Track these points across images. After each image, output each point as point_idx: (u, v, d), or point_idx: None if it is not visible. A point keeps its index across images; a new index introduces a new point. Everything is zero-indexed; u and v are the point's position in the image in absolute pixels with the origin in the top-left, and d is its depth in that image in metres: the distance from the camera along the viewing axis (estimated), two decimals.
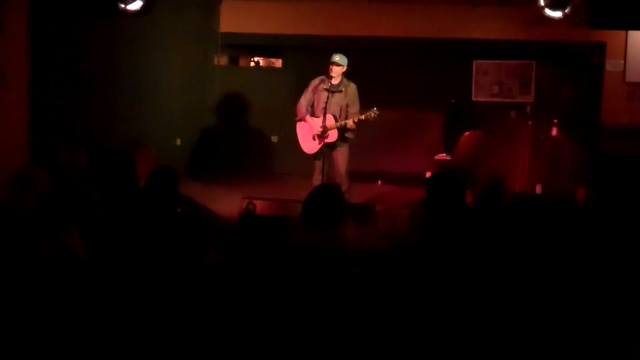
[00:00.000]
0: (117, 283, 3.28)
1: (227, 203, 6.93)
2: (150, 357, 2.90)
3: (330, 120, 6.60)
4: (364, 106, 6.75)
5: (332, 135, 6.65)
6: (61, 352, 2.89)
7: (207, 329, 2.97)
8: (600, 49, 8.72)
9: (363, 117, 6.56)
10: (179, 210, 4.34)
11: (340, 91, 6.65)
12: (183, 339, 2.93)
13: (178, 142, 9.25)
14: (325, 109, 6.55)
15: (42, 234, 3.57)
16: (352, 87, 6.72)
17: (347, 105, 6.66)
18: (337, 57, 6.59)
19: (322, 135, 6.62)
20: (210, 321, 3.01)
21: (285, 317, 3.01)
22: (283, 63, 10.57)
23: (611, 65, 8.73)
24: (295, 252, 3.66)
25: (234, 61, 11.22)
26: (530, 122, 8.67)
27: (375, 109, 6.54)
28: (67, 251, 3.56)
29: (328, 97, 6.58)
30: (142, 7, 6.69)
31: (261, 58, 11.35)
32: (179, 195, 4.41)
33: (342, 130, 6.64)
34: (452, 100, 9.44)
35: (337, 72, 6.59)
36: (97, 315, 3.02)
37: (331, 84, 6.60)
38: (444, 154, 8.95)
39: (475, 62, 9.34)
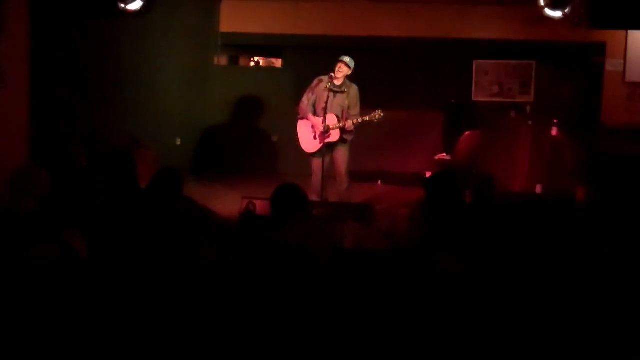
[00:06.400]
0: (117, 281, 3.29)
1: (227, 203, 6.93)
2: (149, 353, 2.91)
3: (332, 120, 6.60)
4: (365, 106, 6.75)
5: (334, 135, 6.65)
6: (61, 351, 2.89)
7: (202, 326, 2.98)
8: (600, 49, 8.72)
9: (367, 118, 6.56)
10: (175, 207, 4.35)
11: (343, 92, 6.64)
12: (180, 335, 2.94)
13: (178, 142, 9.25)
14: (325, 108, 6.54)
15: (41, 235, 3.58)
16: (354, 89, 6.71)
17: (348, 107, 6.65)
18: (347, 59, 6.56)
19: (324, 135, 6.61)
20: (207, 319, 3.01)
21: (264, 313, 3.04)
22: (283, 63, 10.57)
23: (611, 65, 8.73)
24: (266, 246, 3.70)
25: (234, 61, 11.22)
26: (530, 122, 8.66)
27: (380, 110, 6.54)
28: (67, 250, 3.57)
29: (330, 97, 6.57)
30: (142, 7, 6.68)
31: (261, 58, 11.35)
32: (182, 196, 4.43)
33: (341, 131, 6.64)
34: (452, 100, 9.44)
35: (343, 72, 6.56)
36: (96, 313, 3.02)
37: (334, 84, 6.58)
38: (444, 154, 8.95)
39: (475, 62, 9.35)
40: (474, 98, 9.37)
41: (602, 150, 8.09)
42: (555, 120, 8.50)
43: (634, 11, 6.36)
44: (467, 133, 8.73)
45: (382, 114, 6.54)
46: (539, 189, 8.26)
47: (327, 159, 6.71)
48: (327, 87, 6.57)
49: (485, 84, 9.39)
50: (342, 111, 6.65)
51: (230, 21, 9.72)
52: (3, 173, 4.23)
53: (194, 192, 6.24)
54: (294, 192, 4.13)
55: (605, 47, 8.70)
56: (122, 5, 6.62)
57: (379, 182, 9.23)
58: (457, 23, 9.02)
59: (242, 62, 11.47)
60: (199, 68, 9.71)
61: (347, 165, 6.80)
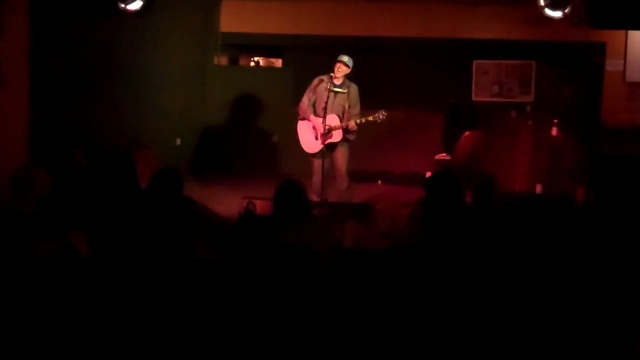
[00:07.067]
0: (119, 282, 3.29)
1: (227, 203, 6.93)
2: (151, 353, 2.92)
3: (334, 120, 6.60)
4: (365, 106, 6.75)
5: (337, 135, 6.65)
6: (61, 351, 2.90)
7: (203, 326, 2.98)
8: (600, 49, 8.72)
9: (371, 118, 6.56)
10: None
11: (344, 92, 6.63)
12: (180, 335, 2.94)
13: (178, 142, 9.25)
14: (325, 108, 6.53)
15: (41, 235, 3.58)
16: (354, 89, 6.71)
17: (349, 107, 6.64)
18: (345, 58, 6.56)
19: (326, 135, 6.60)
20: (207, 319, 3.02)
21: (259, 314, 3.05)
22: (283, 63, 10.57)
23: (611, 65, 8.73)
24: (266, 247, 3.70)
25: (234, 61, 11.22)
26: (530, 122, 8.67)
27: (383, 110, 6.54)
28: (70, 250, 3.57)
29: (330, 97, 6.56)
30: (142, 7, 6.68)
31: (261, 58, 11.35)
32: (182, 196, 4.44)
33: (343, 131, 6.64)
34: (452, 100, 9.44)
35: (342, 71, 6.56)
36: (97, 312, 3.02)
37: (334, 84, 6.58)
38: (444, 154, 8.95)
39: (475, 62, 9.36)
40: (474, 98, 9.38)
41: (602, 150, 8.09)
42: (555, 120, 8.50)
43: (634, 11, 6.37)
44: (467, 133, 8.73)
45: (385, 114, 6.54)
46: (539, 189, 8.26)
47: (328, 159, 6.71)
48: (328, 87, 6.57)
49: (485, 84, 9.39)
50: (343, 111, 6.65)
51: (230, 21, 9.72)
52: (3, 173, 4.23)
53: (194, 192, 6.23)
54: (297, 194, 4.12)
55: (605, 47, 8.70)
56: (122, 5, 6.63)
57: (379, 182, 9.23)
58: (457, 23, 9.02)
59: (242, 62, 11.47)
60: (199, 68, 9.71)
61: (347, 165, 6.80)
